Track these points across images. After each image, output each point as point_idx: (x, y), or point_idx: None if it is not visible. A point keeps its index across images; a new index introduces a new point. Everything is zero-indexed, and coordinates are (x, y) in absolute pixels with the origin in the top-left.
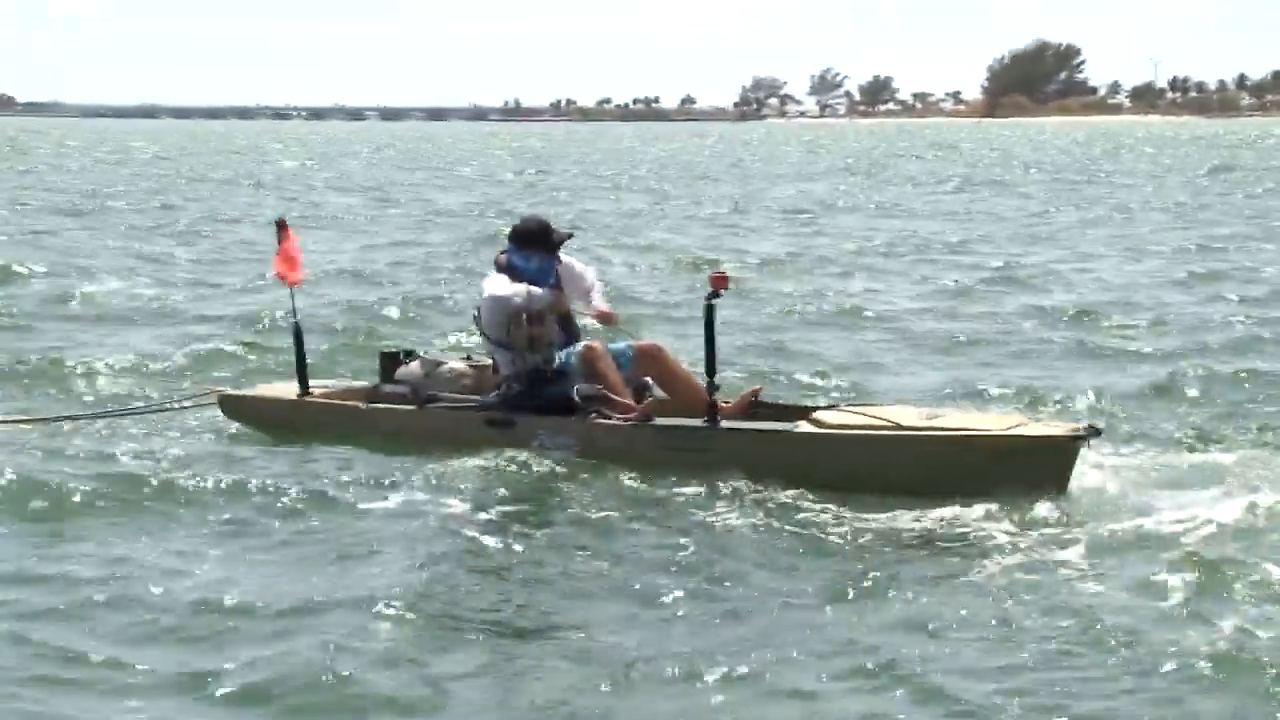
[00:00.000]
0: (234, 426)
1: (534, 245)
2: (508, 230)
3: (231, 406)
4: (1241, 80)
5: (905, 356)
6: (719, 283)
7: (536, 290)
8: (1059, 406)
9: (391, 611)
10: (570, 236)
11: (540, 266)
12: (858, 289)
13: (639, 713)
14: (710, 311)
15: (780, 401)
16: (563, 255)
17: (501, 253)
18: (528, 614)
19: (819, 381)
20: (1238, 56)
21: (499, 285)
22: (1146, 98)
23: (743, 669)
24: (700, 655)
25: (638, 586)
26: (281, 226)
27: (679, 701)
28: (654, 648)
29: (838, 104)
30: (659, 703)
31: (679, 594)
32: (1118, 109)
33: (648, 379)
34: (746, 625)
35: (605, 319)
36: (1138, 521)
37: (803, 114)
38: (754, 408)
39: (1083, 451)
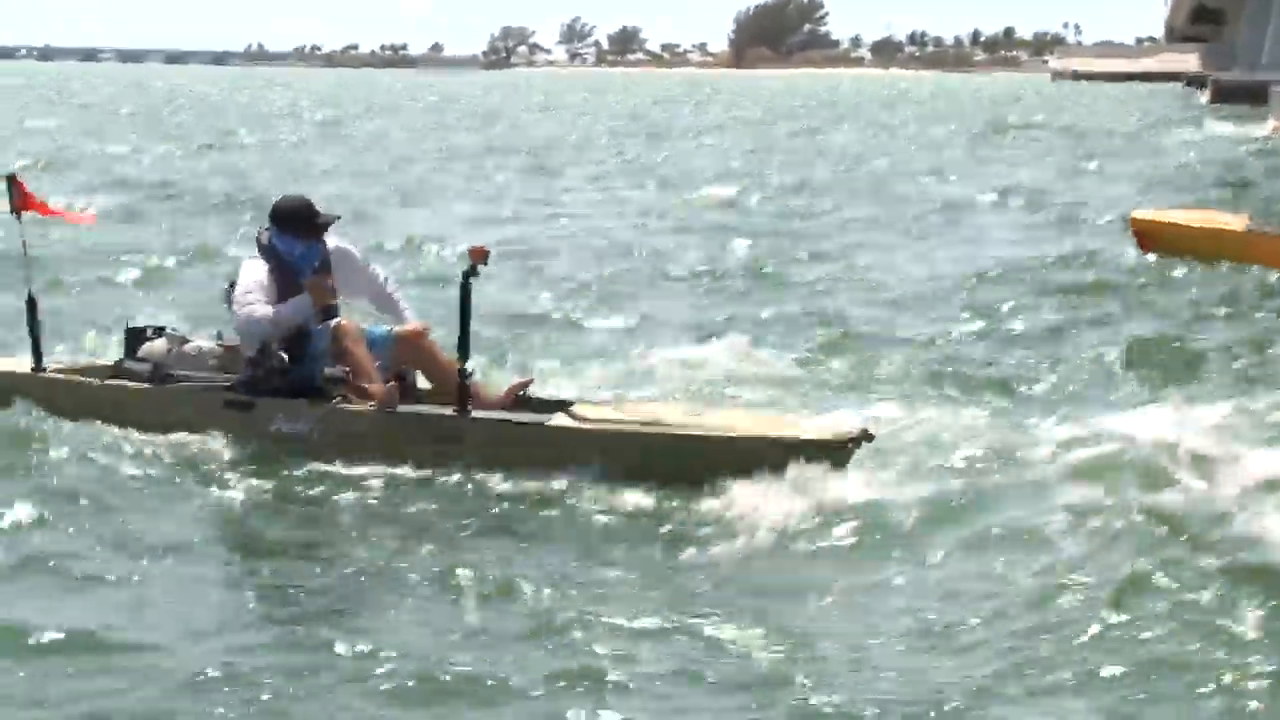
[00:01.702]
0: None
1: (295, 228)
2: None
3: None
4: (975, 36)
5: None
6: (478, 256)
7: (286, 310)
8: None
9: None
10: (337, 219)
11: (303, 253)
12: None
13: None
14: (466, 288)
15: (550, 396)
16: (336, 240)
17: (264, 229)
18: (231, 616)
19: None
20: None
21: (247, 297)
22: (886, 51)
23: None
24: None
25: (357, 585)
26: (13, 182)
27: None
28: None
29: (587, 53)
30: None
31: (407, 594)
32: (859, 62)
33: (407, 367)
34: (471, 624)
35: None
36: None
37: (551, 63)
38: (520, 401)
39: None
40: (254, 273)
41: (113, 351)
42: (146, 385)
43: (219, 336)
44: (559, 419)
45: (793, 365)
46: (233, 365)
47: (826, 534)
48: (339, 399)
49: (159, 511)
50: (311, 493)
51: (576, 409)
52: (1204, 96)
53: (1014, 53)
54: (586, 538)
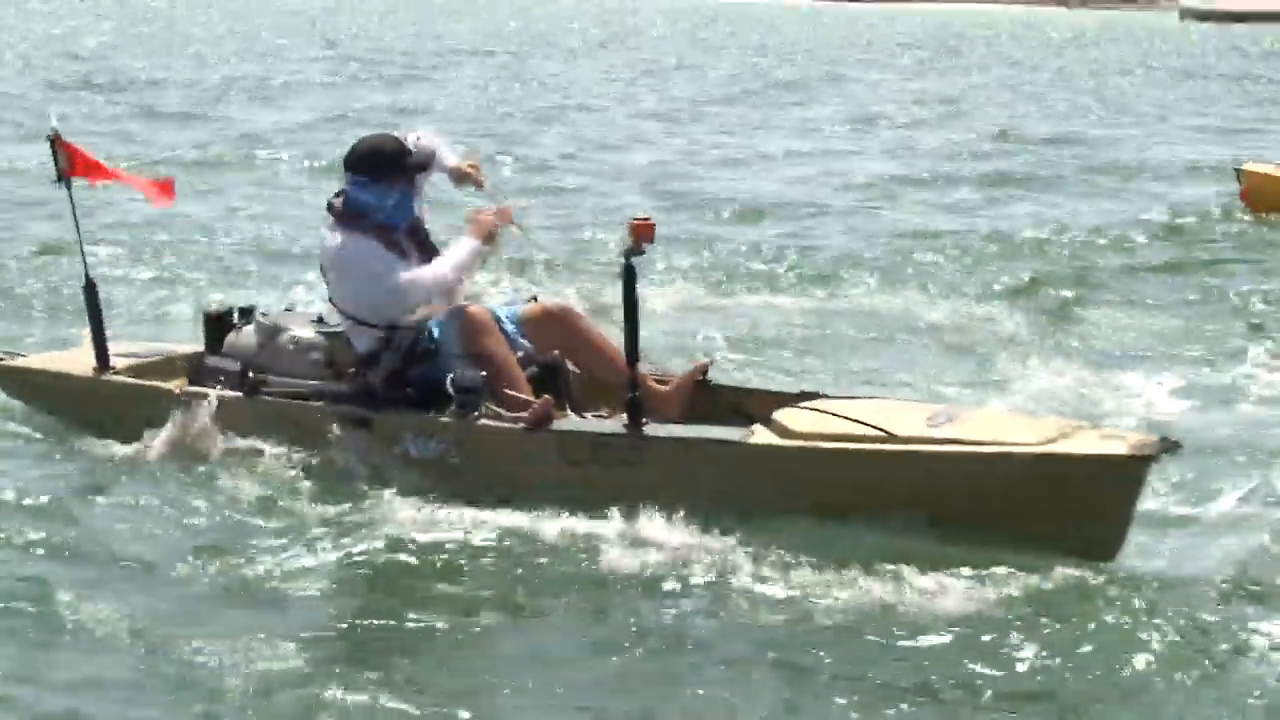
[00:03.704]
0: (13, 403)
1: (387, 171)
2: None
3: (5, 378)
4: None
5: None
6: (642, 233)
7: (443, 272)
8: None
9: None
10: (429, 161)
11: (398, 202)
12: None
13: None
14: (630, 274)
15: (736, 384)
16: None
17: (336, 195)
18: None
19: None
20: None
21: (369, 257)
22: None
23: None
24: None
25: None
26: (56, 143)
27: None
28: None
29: None
30: None
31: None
32: None
33: (555, 353)
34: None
35: (465, 178)
36: None
37: None
38: (700, 392)
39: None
40: (367, 252)
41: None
42: (238, 395)
43: (320, 320)
44: (761, 435)
45: None
46: (339, 359)
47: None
48: (478, 412)
49: (258, 557)
50: (444, 537)
51: (777, 415)
52: None
53: None
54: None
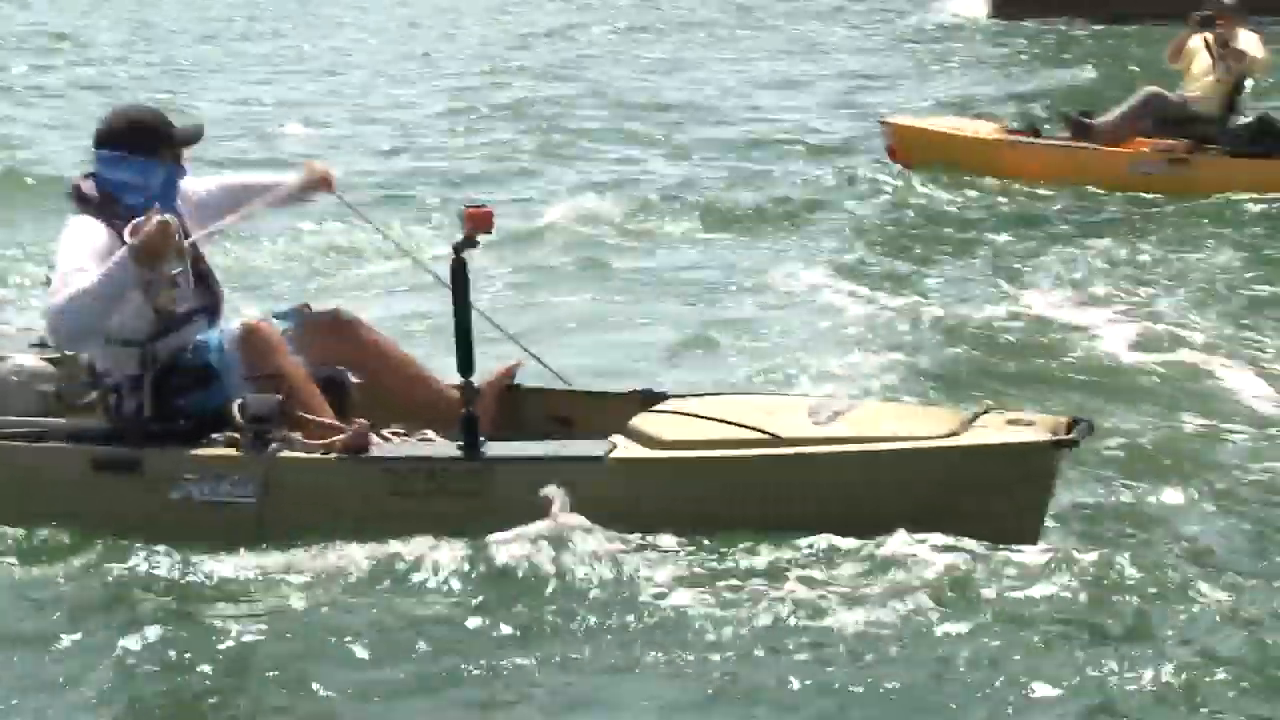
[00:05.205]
0: None
1: (150, 143)
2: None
3: None
4: None
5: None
6: (478, 222)
7: (103, 277)
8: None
9: None
10: (199, 135)
11: (165, 181)
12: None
13: None
14: (461, 269)
15: (555, 386)
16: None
17: (86, 175)
18: None
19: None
20: None
21: (75, 251)
22: None
23: None
24: None
25: None
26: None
27: None
28: None
29: None
30: None
31: None
32: None
33: (340, 367)
34: None
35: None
36: None
37: None
38: (513, 397)
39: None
40: (83, 237)
41: None
42: None
43: (42, 344)
44: (623, 447)
45: None
46: (75, 391)
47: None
48: (273, 441)
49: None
50: (251, 598)
51: (637, 421)
52: None
53: None
54: (672, 630)
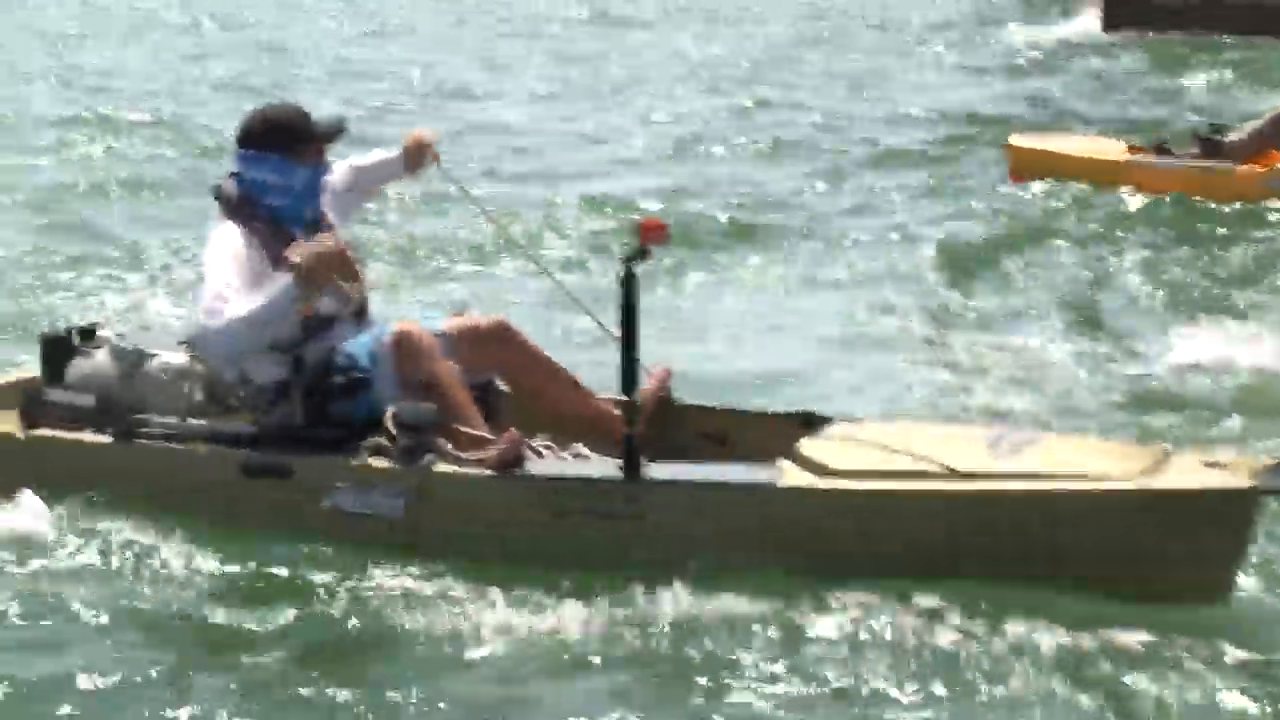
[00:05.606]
0: None
1: (291, 141)
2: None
3: None
4: None
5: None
6: (653, 235)
7: (263, 306)
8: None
9: None
10: (340, 129)
11: (308, 182)
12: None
13: None
14: (631, 283)
15: (718, 405)
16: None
17: (231, 174)
18: None
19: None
20: None
21: (223, 265)
22: None
23: None
24: None
25: None
26: None
27: None
28: None
29: None
30: None
31: None
32: None
33: (493, 377)
34: None
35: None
36: None
37: None
38: (666, 412)
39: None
40: (227, 249)
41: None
42: (104, 439)
43: (190, 343)
44: (790, 474)
45: None
46: (223, 388)
47: None
48: (426, 453)
49: (154, 656)
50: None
51: (804, 447)
52: None
53: None
54: (841, 674)
